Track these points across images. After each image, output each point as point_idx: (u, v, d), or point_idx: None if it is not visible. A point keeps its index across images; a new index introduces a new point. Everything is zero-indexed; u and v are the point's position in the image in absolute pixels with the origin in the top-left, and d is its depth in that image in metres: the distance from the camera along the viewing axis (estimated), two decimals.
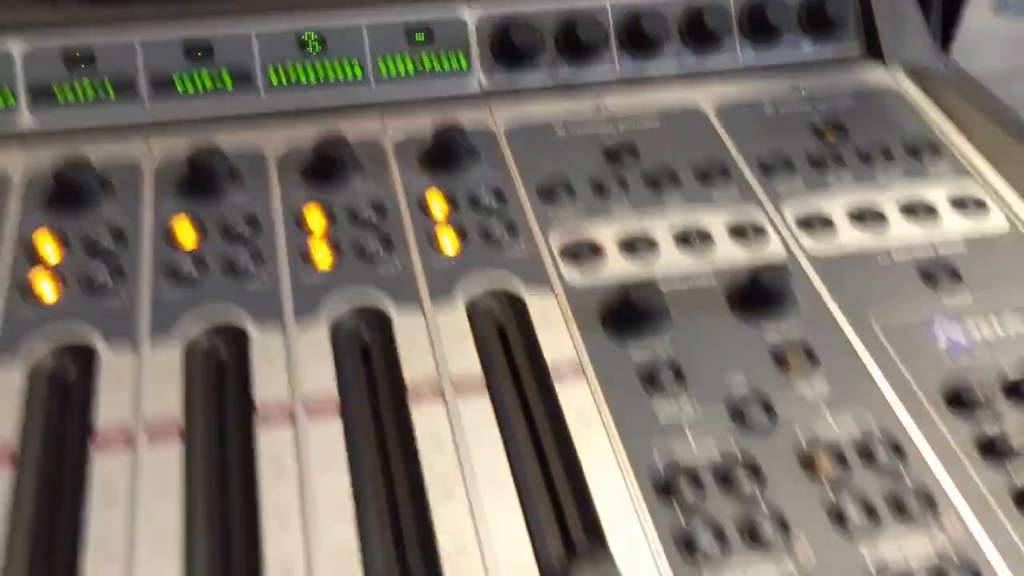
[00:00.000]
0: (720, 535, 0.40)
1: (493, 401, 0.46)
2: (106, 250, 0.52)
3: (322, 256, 0.53)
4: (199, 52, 0.62)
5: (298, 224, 0.54)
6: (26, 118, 0.59)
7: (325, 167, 0.57)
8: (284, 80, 0.63)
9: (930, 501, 0.42)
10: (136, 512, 0.41)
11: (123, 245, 0.53)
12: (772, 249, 0.54)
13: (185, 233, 0.54)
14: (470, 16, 0.65)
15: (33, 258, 0.52)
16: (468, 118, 0.61)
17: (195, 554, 0.40)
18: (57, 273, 0.51)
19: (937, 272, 0.52)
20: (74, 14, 0.63)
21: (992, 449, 0.43)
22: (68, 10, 0.64)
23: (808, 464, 0.43)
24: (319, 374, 0.47)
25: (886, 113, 0.63)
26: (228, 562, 0.41)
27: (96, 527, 0.41)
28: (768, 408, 0.45)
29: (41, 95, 0.60)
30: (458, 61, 0.65)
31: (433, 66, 0.65)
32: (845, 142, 0.61)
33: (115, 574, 0.39)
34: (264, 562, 0.40)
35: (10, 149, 0.58)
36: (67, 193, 0.54)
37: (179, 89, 0.61)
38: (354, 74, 0.63)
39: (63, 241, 0.53)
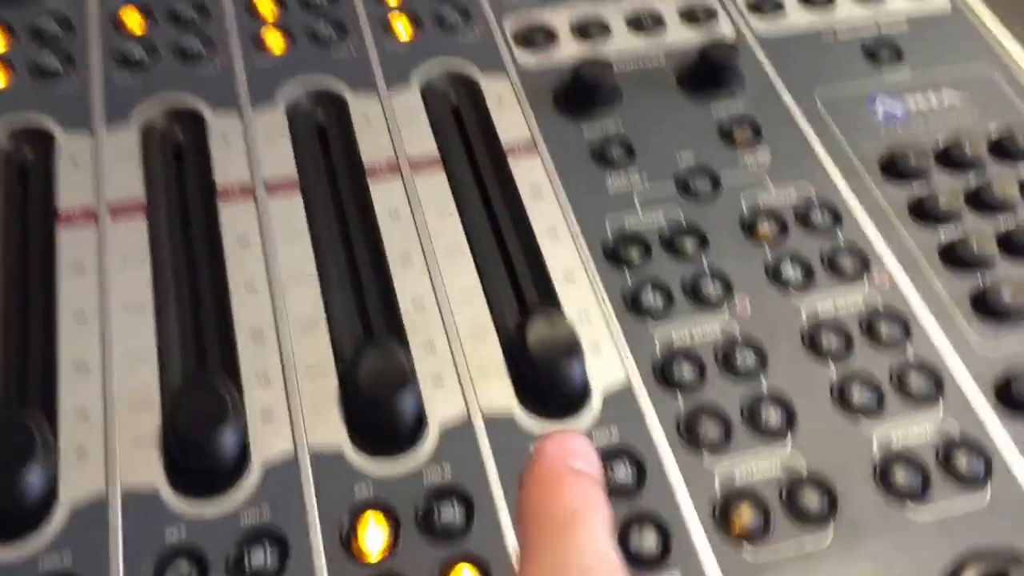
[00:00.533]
0: (666, 293, 0.43)
1: (449, 177, 0.48)
2: (54, 36, 0.52)
3: (274, 41, 0.53)
4: None
5: (248, 11, 0.54)
6: None
7: None
8: None
9: (863, 259, 0.44)
10: (107, 282, 0.43)
11: (71, 33, 0.52)
12: (722, 30, 0.55)
13: (133, 20, 0.53)
14: None
15: None
16: None
17: (166, 319, 0.42)
18: (5, 62, 0.51)
19: (879, 50, 0.53)
20: None
21: (922, 210, 0.46)
22: None
23: (750, 229, 0.45)
24: (278, 155, 0.48)
25: None
26: (199, 326, 0.43)
27: (68, 297, 0.42)
28: (714, 179, 0.47)
29: None
30: None
31: None
32: None
33: (90, 336, 0.41)
34: (235, 326, 0.42)
35: None
36: None
37: None
38: None
39: (9, 31, 0.52)
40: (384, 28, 0.54)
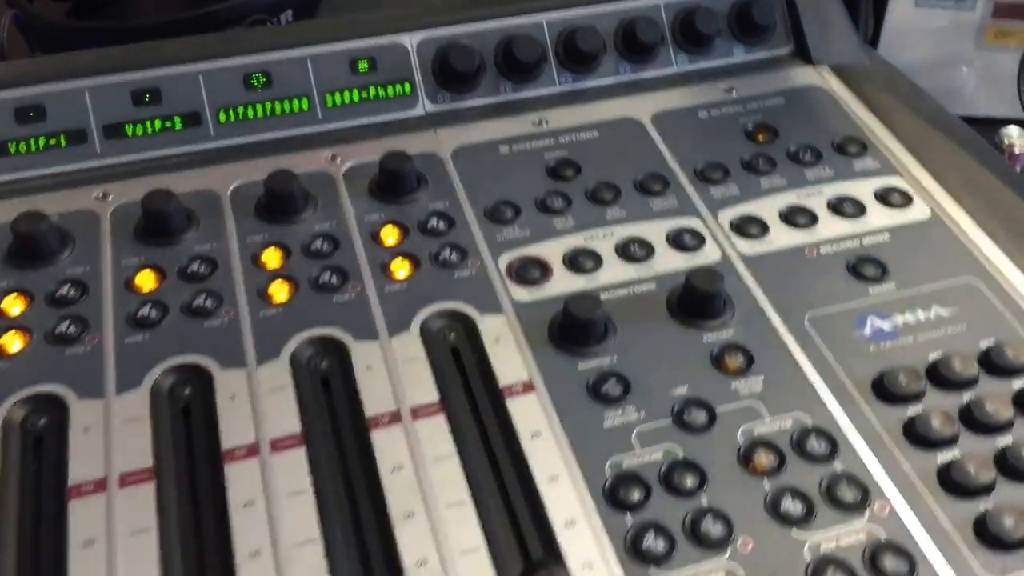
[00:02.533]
0: (667, 537, 0.43)
1: (450, 422, 0.49)
2: (69, 300, 0.55)
3: (279, 289, 0.55)
4: (147, 96, 0.64)
5: (254, 262, 0.57)
6: None
7: (277, 203, 0.59)
8: (233, 118, 0.65)
9: (862, 488, 0.45)
10: (114, 554, 0.44)
11: (86, 296, 0.55)
12: (708, 254, 0.57)
13: (146, 280, 0.56)
14: (410, 42, 0.67)
15: None
16: (414, 143, 0.64)
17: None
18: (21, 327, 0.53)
19: (863, 266, 0.55)
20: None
21: (917, 434, 0.46)
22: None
23: (747, 461, 0.46)
24: (282, 409, 0.49)
25: (814, 112, 0.66)
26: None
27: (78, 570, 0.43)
28: (709, 411, 0.48)
29: None
30: (402, 87, 0.67)
31: (378, 94, 0.67)
32: (776, 143, 0.63)
33: None
34: None
35: None
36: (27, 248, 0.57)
37: (129, 134, 0.64)
38: (301, 107, 0.66)
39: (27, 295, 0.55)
40: (384, 270, 0.56)
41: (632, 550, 0.43)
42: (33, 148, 0.63)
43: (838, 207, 0.59)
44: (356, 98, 0.67)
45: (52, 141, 0.63)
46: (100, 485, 0.46)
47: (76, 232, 0.59)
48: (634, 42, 0.69)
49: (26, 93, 0.63)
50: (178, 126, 0.65)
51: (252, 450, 0.48)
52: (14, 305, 0.55)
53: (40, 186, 0.62)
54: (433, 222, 0.59)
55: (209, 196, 0.61)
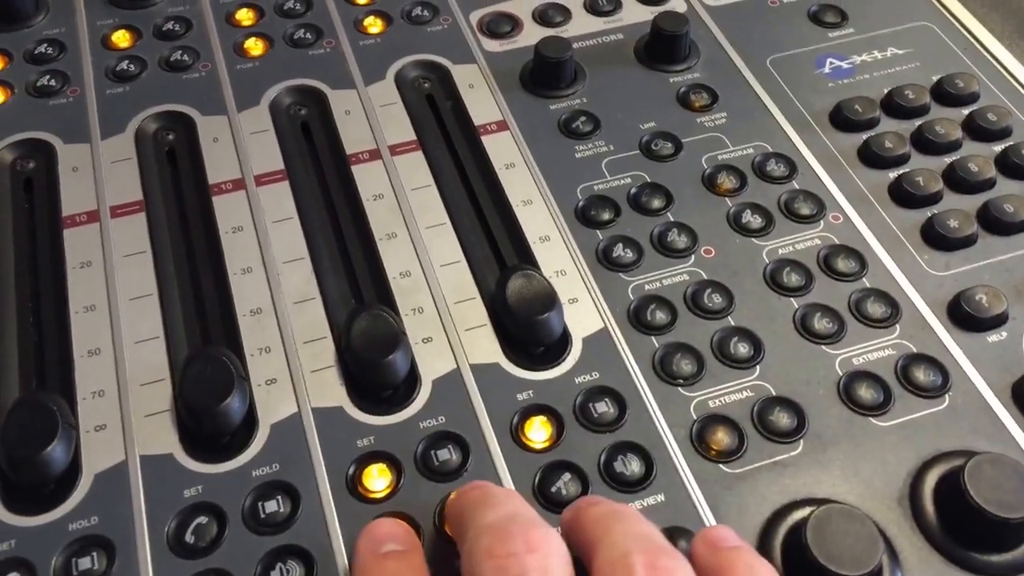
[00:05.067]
0: (636, 247, 0.46)
1: (427, 157, 0.51)
2: (48, 57, 0.55)
3: (254, 45, 0.56)
4: None
5: (228, 21, 0.58)
6: None
7: None
8: None
9: (818, 202, 0.48)
10: (112, 274, 0.46)
11: (64, 53, 0.56)
12: (674, 5, 0.58)
13: (121, 38, 0.57)
14: None
15: None
16: None
17: (170, 303, 0.45)
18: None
19: (823, 12, 0.57)
20: None
21: (871, 155, 0.49)
22: None
23: (711, 184, 0.49)
24: (265, 151, 0.51)
25: None
26: (202, 308, 0.46)
27: (77, 290, 0.45)
28: (675, 142, 0.51)
29: None
30: None
31: None
32: None
33: (101, 324, 0.44)
34: (234, 306, 0.45)
35: None
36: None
37: None
38: None
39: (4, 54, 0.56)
40: (356, 26, 0.57)
41: (603, 258, 0.46)
42: None
43: None
44: None
45: None
46: (93, 216, 0.48)
47: None
48: None
49: None
50: None
51: (238, 184, 0.49)
52: None
53: None
54: None
55: None
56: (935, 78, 0.53)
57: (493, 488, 0.35)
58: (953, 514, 0.37)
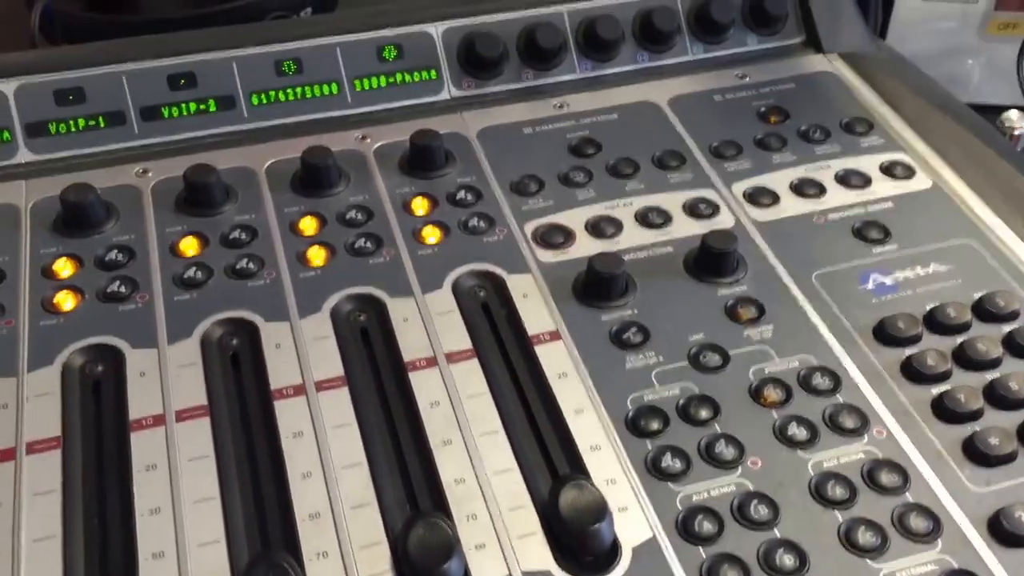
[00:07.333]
0: (684, 457, 0.53)
1: (482, 366, 0.58)
2: (118, 263, 0.64)
3: (316, 254, 0.65)
4: (183, 80, 0.75)
5: (293, 230, 0.67)
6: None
7: (313, 176, 0.69)
8: (265, 101, 0.75)
9: (861, 416, 0.54)
10: (176, 477, 0.53)
11: (133, 260, 0.65)
12: (723, 220, 0.67)
13: (189, 245, 0.66)
14: (436, 31, 0.78)
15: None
16: (441, 124, 0.74)
17: (232, 506, 0.52)
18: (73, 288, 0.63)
19: (867, 228, 0.65)
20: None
21: (913, 370, 0.56)
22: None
23: (757, 396, 0.56)
24: (325, 356, 0.59)
25: (823, 96, 0.77)
26: (262, 511, 0.53)
27: (142, 493, 0.52)
28: (723, 354, 0.58)
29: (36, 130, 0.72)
30: (428, 73, 0.78)
31: (405, 79, 0.77)
32: (787, 124, 0.74)
33: (165, 527, 0.51)
34: (293, 510, 0.51)
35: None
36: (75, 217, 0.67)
37: (165, 116, 0.74)
38: (331, 91, 0.76)
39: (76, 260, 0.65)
40: (415, 237, 0.66)
41: (652, 468, 0.52)
42: (73, 129, 0.73)
43: (845, 179, 0.69)
44: (384, 83, 0.77)
45: (91, 122, 0.74)
46: (159, 420, 0.56)
47: (120, 204, 0.69)
48: (651, 31, 0.79)
49: (65, 77, 0.74)
50: (212, 108, 0.75)
51: (299, 389, 0.57)
52: (65, 269, 0.64)
53: (81, 164, 0.72)
54: (462, 195, 0.69)
55: (246, 172, 0.71)
56: (976, 295, 0.60)
57: None
58: None
